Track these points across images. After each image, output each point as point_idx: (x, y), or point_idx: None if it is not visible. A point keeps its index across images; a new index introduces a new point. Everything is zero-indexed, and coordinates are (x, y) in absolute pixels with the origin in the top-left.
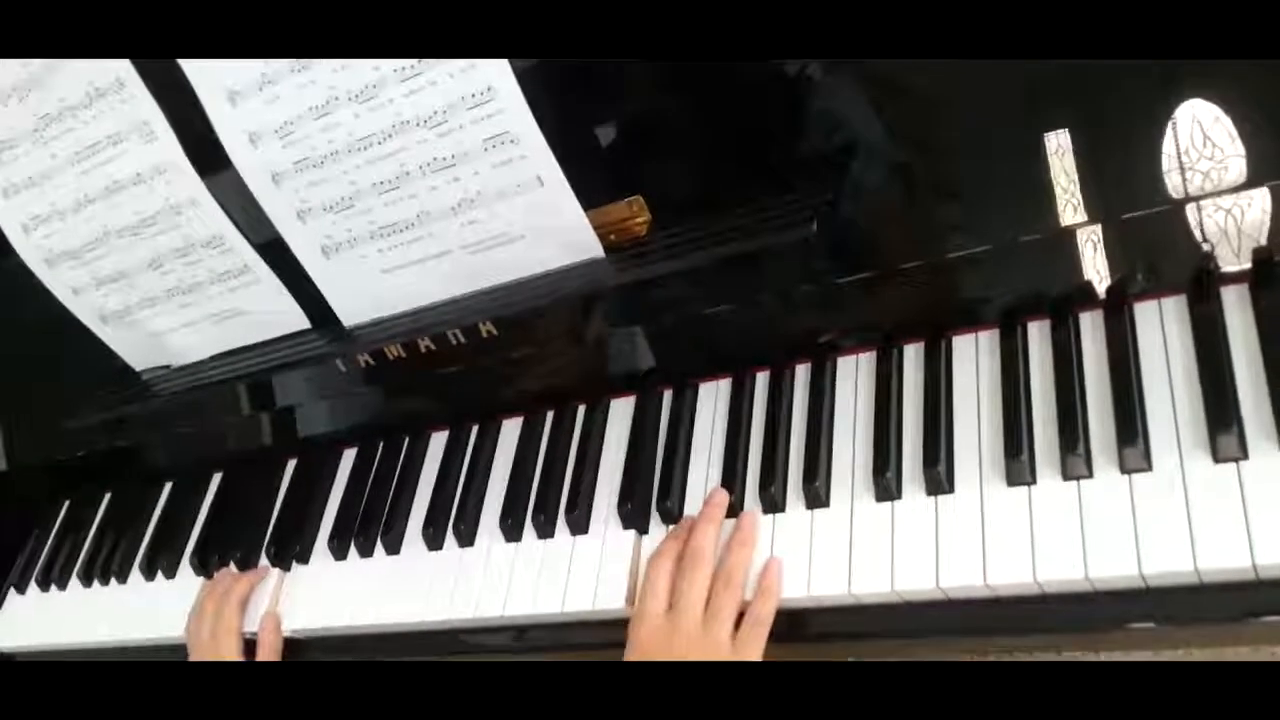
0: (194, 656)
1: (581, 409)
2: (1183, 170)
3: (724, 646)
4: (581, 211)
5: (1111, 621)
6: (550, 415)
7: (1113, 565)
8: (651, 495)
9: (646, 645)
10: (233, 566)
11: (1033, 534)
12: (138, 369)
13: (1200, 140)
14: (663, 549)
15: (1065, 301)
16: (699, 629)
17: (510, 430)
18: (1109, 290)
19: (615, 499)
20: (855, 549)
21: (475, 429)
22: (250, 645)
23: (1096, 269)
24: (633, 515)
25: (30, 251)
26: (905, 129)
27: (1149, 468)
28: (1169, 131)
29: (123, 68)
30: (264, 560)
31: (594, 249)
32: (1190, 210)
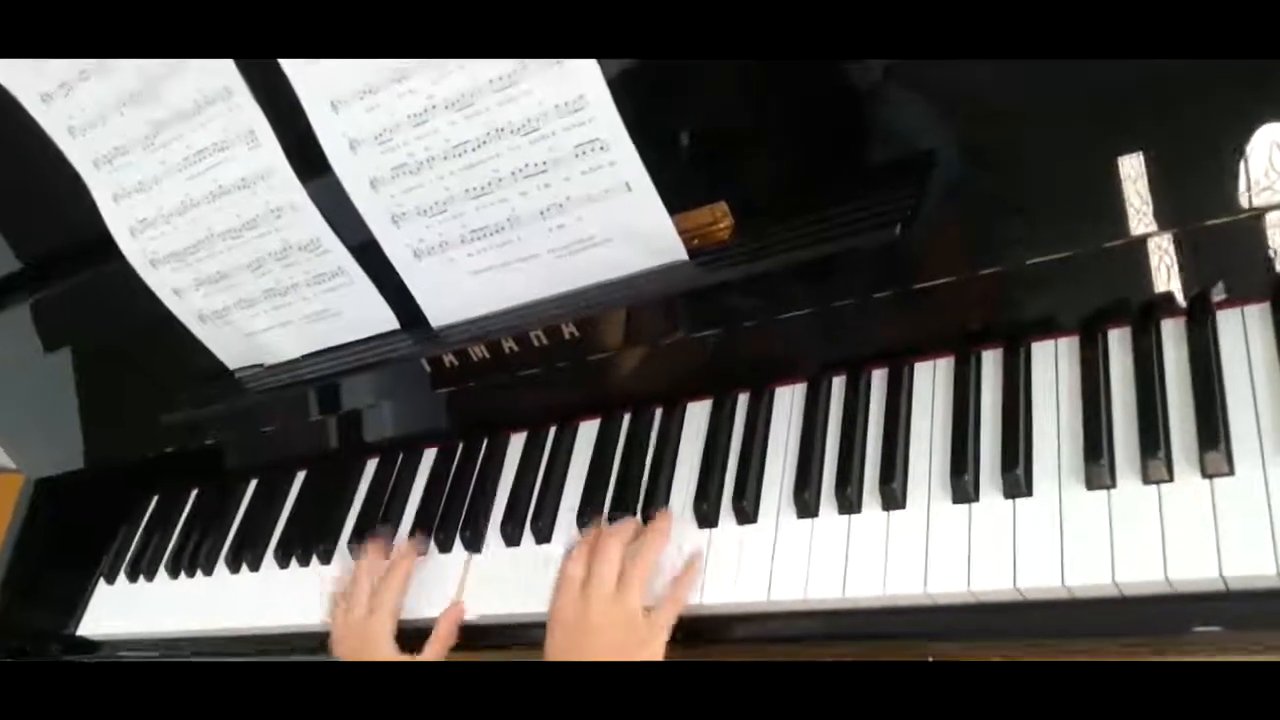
0: (339, 629)
1: (659, 412)
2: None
3: (636, 615)
4: (667, 216)
5: (1185, 625)
6: (627, 418)
7: (1194, 568)
8: (727, 496)
9: (564, 613)
10: (315, 561)
11: (1112, 537)
12: (232, 368)
13: None
14: (586, 538)
15: (1147, 309)
16: (609, 599)
17: (587, 431)
18: (1192, 298)
19: (691, 499)
20: (931, 549)
21: (553, 429)
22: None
23: (1176, 277)
24: (708, 515)
25: (136, 254)
26: (986, 136)
27: (1231, 472)
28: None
29: (231, 77)
30: (343, 551)
31: (677, 253)
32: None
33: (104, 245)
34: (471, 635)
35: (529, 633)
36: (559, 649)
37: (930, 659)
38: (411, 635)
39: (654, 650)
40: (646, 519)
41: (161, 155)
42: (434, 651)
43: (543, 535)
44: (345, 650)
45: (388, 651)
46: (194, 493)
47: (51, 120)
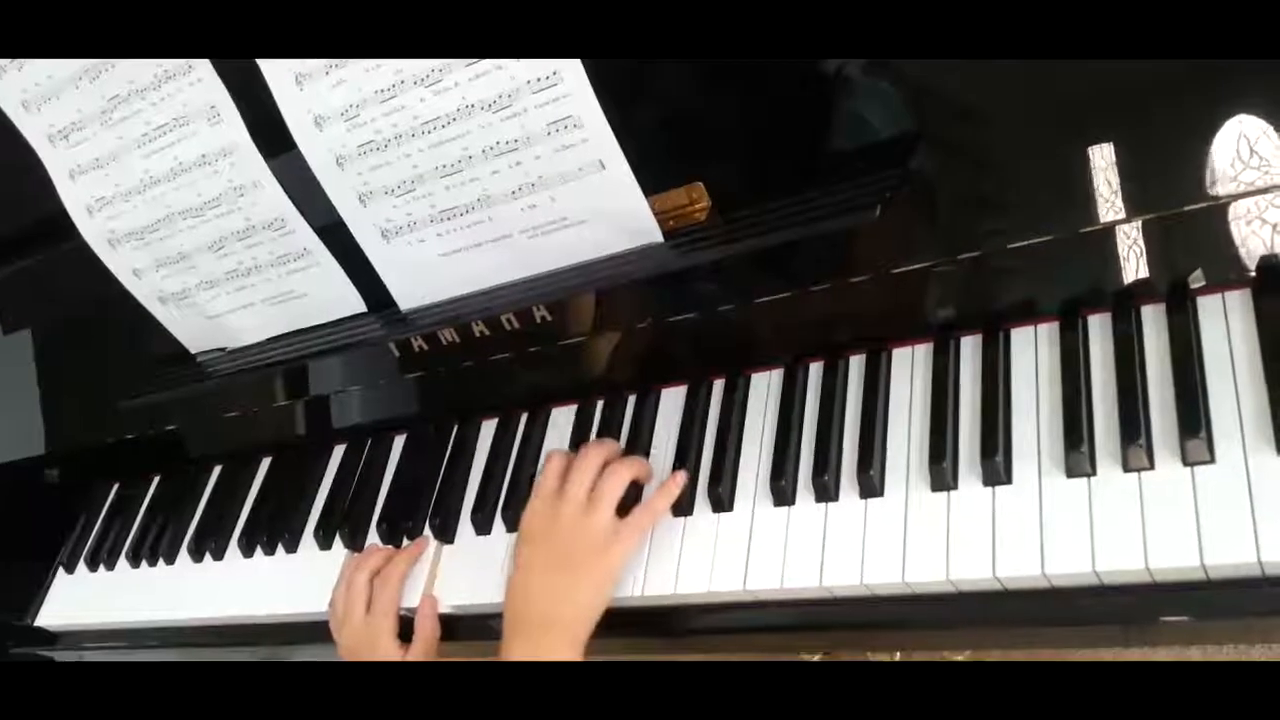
0: (341, 628)
1: (632, 398)
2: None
3: (602, 522)
4: (642, 196)
5: (1164, 614)
6: (600, 404)
7: (1174, 557)
8: (702, 483)
9: (534, 520)
10: (280, 550)
11: (1092, 525)
12: (193, 351)
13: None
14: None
15: (1127, 295)
16: (580, 508)
17: (560, 418)
18: (1171, 284)
19: None
20: (910, 538)
21: (525, 416)
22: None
23: (1156, 263)
24: (683, 503)
25: (93, 233)
26: (964, 121)
27: (1212, 460)
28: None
29: None
30: (309, 539)
31: (653, 234)
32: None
33: (62, 224)
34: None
35: (492, 624)
36: (525, 557)
37: (899, 655)
38: None
39: (616, 555)
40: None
41: (119, 130)
42: (421, 648)
43: (513, 524)
44: (347, 640)
45: (389, 648)
46: (155, 480)
47: (4, 93)
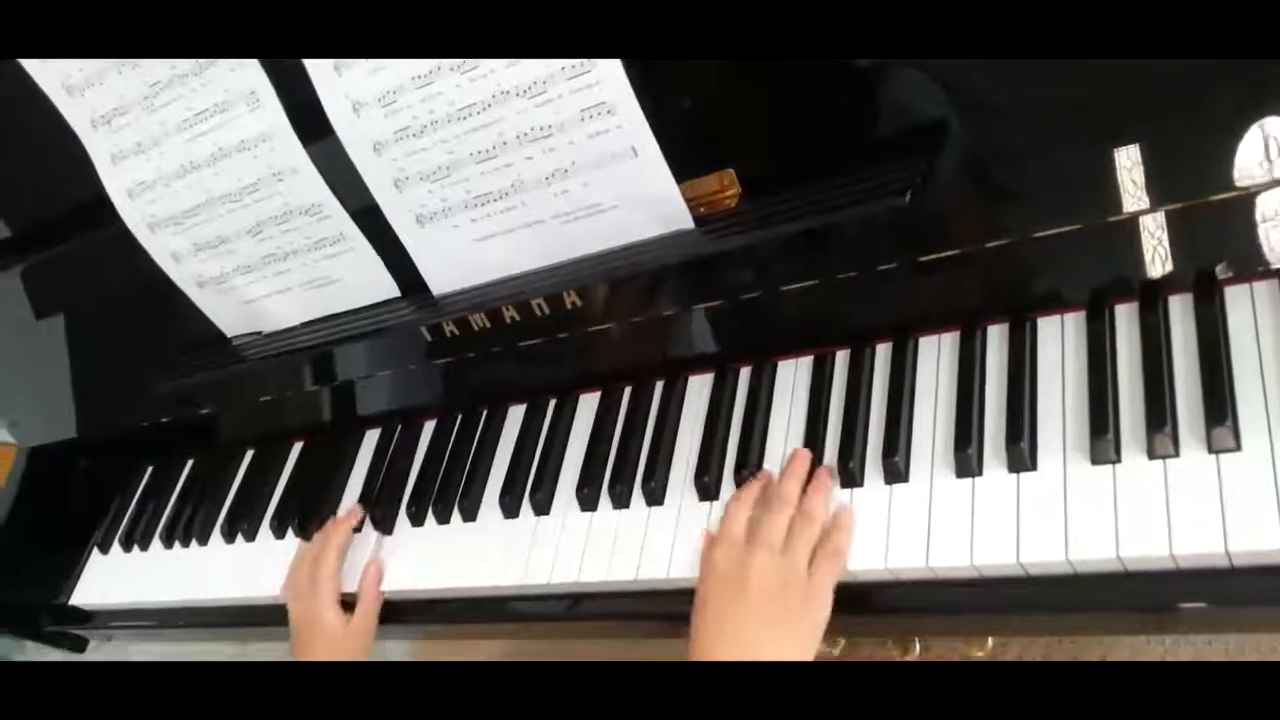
0: (292, 603)
1: (659, 385)
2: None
3: (801, 573)
4: (674, 183)
5: (1188, 600)
6: (628, 390)
7: (1199, 543)
8: (728, 469)
9: (723, 568)
10: (314, 526)
11: (1116, 511)
12: (229, 335)
13: None
14: (744, 491)
15: (1153, 284)
16: (777, 556)
17: (588, 404)
18: (1198, 274)
19: (692, 472)
20: (934, 523)
21: (553, 402)
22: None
23: (1183, 253)
24: (709, 488)
25: (134, 217)
26: (994, 108)
27: (1238, 448)
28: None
29: None
30: None
31: (684, 221)
32: None
33: (100, 208)
34: (459, 610)
35: (517, 606)
36: (713, 607)
37: (918, 642)
38: (410, 609)
39: (818, 610)
40: (646, 491)
41: (161, 116)
42: (362, 614)
43: (541, 508)
44: (298, 626)
45: (331, 620)
46: (189, 462)
47: (48, 79)
